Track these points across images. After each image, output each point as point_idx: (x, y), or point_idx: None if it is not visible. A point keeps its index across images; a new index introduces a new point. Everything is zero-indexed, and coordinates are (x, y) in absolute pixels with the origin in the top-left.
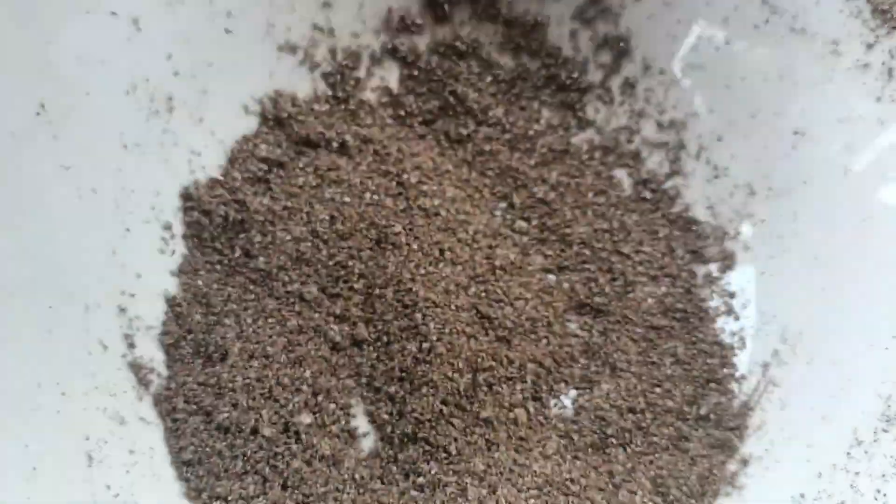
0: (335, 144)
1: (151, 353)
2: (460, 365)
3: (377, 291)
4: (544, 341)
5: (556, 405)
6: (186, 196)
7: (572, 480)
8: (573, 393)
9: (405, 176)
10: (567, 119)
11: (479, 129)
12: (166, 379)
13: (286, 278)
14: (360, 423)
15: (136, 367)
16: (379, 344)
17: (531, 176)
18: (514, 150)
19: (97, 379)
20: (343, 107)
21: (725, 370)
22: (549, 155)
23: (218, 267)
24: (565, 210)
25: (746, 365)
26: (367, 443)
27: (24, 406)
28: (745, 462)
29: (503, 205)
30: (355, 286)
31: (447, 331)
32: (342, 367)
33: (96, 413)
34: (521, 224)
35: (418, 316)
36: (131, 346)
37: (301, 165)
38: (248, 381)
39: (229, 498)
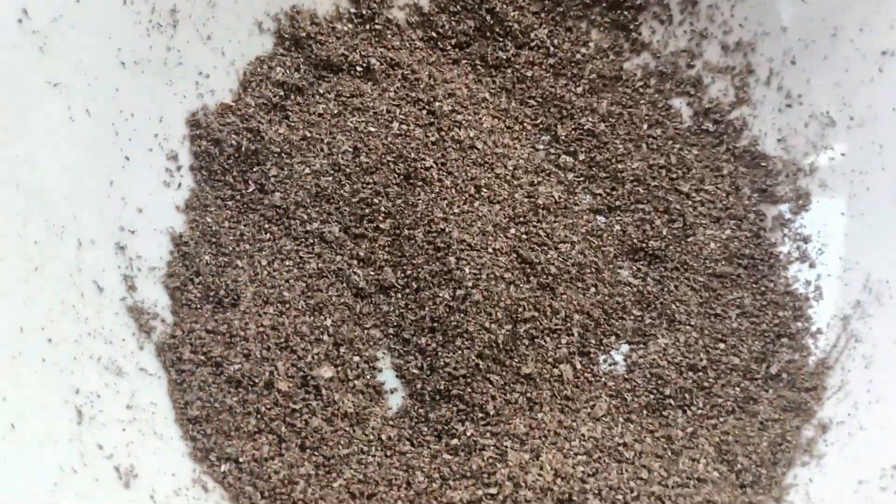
0: (359, 68)
1: (154, 297)
2: (498, 315)
3: (406, 232)
4: (592, 290)
5: (605, 361)
6: (194, 123)
7: (625, 445)
8: (625, 348)
9: (437, 104)
10: (619, 41)
11: (520, 53)
12: (171, 326)
13: (305, 216)
14: (388, 377)
15: (137, 312)
16: (408, 290)
17: (578, 105)
18: (558, 77)
19: (90, 324)
20: (368, 26)
21: (799, 324)
22: (598, 82)
23: (229, 203)
24: (616, 143)
25: (824, 318)
26: (395, 400)
27: (2, 353)
28: (823, 428)
29: (546, 137)
30: (381, 226)
31: (484, 276)
32: (367, 315)
33: (88, 363)
34: (567, 159)
35: (451, 260)
36: (131, 288)
37: (321, 91)
38: (262, 329)
39: (240, 459)
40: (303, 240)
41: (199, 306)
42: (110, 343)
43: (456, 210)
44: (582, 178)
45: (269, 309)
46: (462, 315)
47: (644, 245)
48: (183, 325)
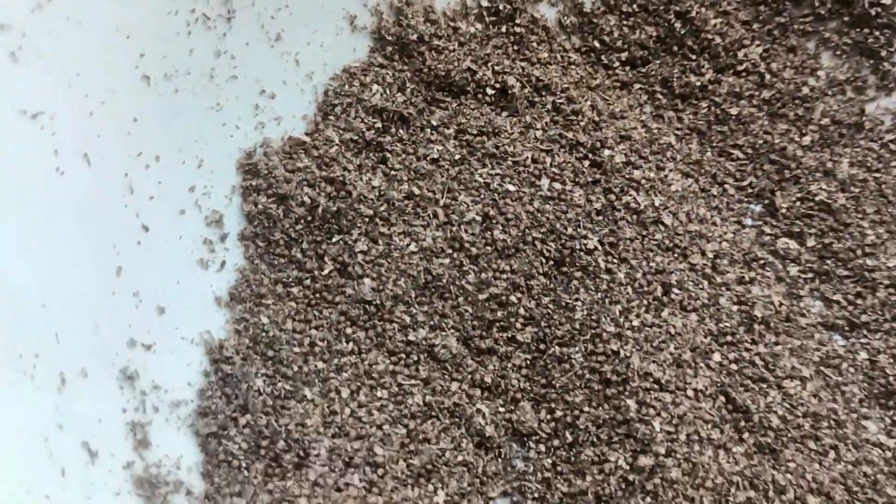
0: (491, 91)
1: (177, 452)
2: (705, 500)
3: (556, 350)
4: (832, 455)
5: None
6: (249, 169)
7: None
8: None
9: (605, 153)
10: (862, 72)
11: (721, 79)
12: (202, 502)
13: (406, 318)
14: None
15: (149, 486)
16: (557, 443)
17: (806, 164)
18: (775, 118)
19: None
20: (505, 29)
21: None
22: (833, 130)
23: (294, 291)
24: (864, 227)
25: None
26: None
27: None
28: None
29: (758, 208)
30: (519, 337)
31: (683, 436)
32: (494, 478)
33: None
34: (789, 244)
35: (630, 404)
36: (142, 444)
37: (435, 123)
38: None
39: None
40: (402, 356)
41: (245, 466)
42: None
43: (635, 322)
44: (811, 276)
45: (354, 476)
46: (649, 497)
47: None
48: (220, 501)
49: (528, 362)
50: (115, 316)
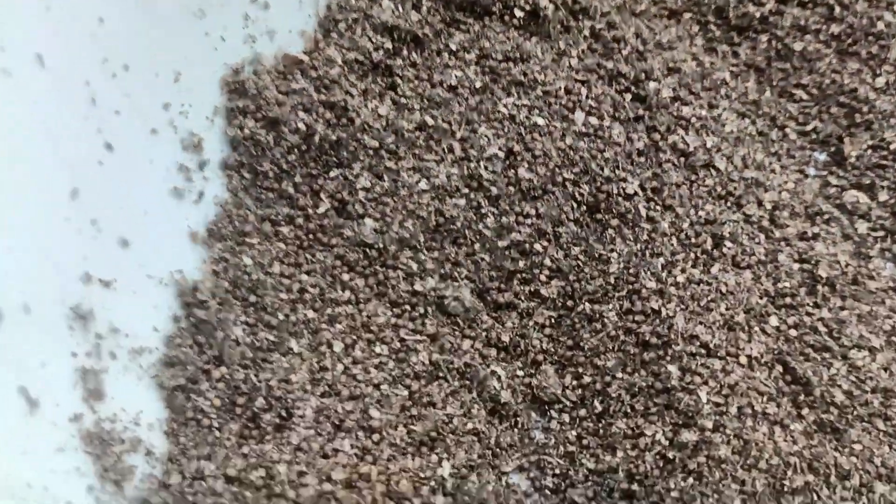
0: (519, 13)
1: (138, 406)
2: (757, 482)
3: (586, 307)
4: None
5: None
6: (235, 87)
7: None
8: None
9: (650, 85)
10: None
11: (784, 10)
12: (164, 464)
13: (414, 266)
14: None
15: (101, 444)
16: (584, 413)
17: (879, 107)
18: (845, 56)
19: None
20: None
21: None
22: None
23: (284, 231)
24: None
25: None
26: None
27: None
28: None
29: (823, 156)
30: (544, 292)
31: (733, 409)
32: (509, 450)
33: None
34: (858, 197)
35: (673, 370)
36: (94, 395)
37: (454, 47)
38: (330, 481)
39: None
40: (407, 308)
41: (217, 426)
42: None
43: (680, 278)
44: (882, 234)
45: (345, 441)
46: (692, 478)
47: None
48: (185, 464)
49: (553, 320)
50: (67, 245)
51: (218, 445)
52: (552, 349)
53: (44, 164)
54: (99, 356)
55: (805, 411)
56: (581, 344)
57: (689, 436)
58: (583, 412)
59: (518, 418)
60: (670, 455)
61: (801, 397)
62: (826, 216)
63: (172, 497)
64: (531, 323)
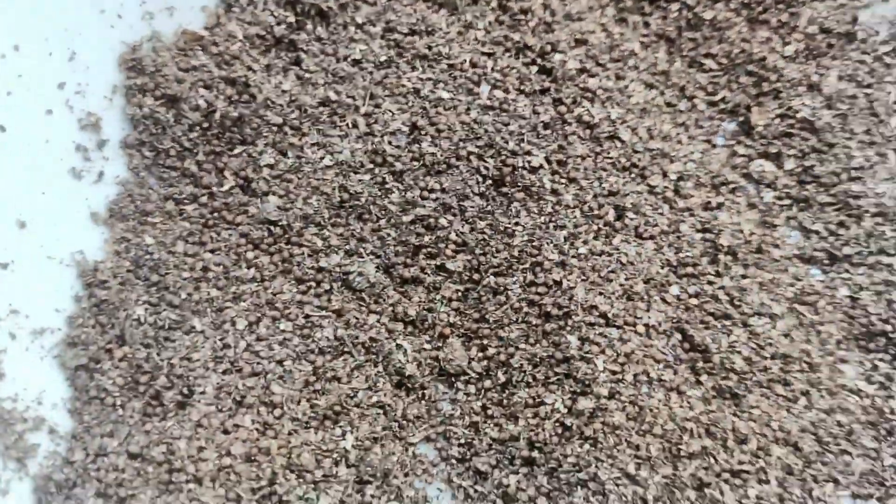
0: None
1: (39, 387)
2: (651, 448)
3: (491, 280)
4: (802, 401)
5: None
6: (133, 65)
7: None
8: None
9: (556, 57)
10: None
11: None
12: (68, 442)
13: (318, 242)
14: None
15: (3, 422)
16: (488, 384)
17: (788, 76)
18: (755, 24)
19: None
20: None
21: None
22: (821, 40)
23: (188, 209)
24: (851, 147)
25: None
26: None
27: None
28: None
29: (732, 126)
30: (450, 266)
31: (629, 376)
32: (416, 422)
33: None
34: (765, 166)
35: (572, 340)
36: None
37: (359, 20)
38: (229, 455)
39: None
40: (312, 284)
41: (120, 404)
42: None
43: (582, 249)
44: (788, 203)
45: (246, 417)
46: (588, 444)
47: (889, 324)
48: (89, 442)
49: (460, 294)
50: None
51: (121, 423)
52: (459, 322)
53: None
54: None
55: (703, 378)
56: (486, 316)
57: (585, 403)
58: (487, 383)
59: (425, 390)
60: (568, 422)
61: (700, 364)
62: (732, 186)
63: (76, 473)
64: (437, 297)
